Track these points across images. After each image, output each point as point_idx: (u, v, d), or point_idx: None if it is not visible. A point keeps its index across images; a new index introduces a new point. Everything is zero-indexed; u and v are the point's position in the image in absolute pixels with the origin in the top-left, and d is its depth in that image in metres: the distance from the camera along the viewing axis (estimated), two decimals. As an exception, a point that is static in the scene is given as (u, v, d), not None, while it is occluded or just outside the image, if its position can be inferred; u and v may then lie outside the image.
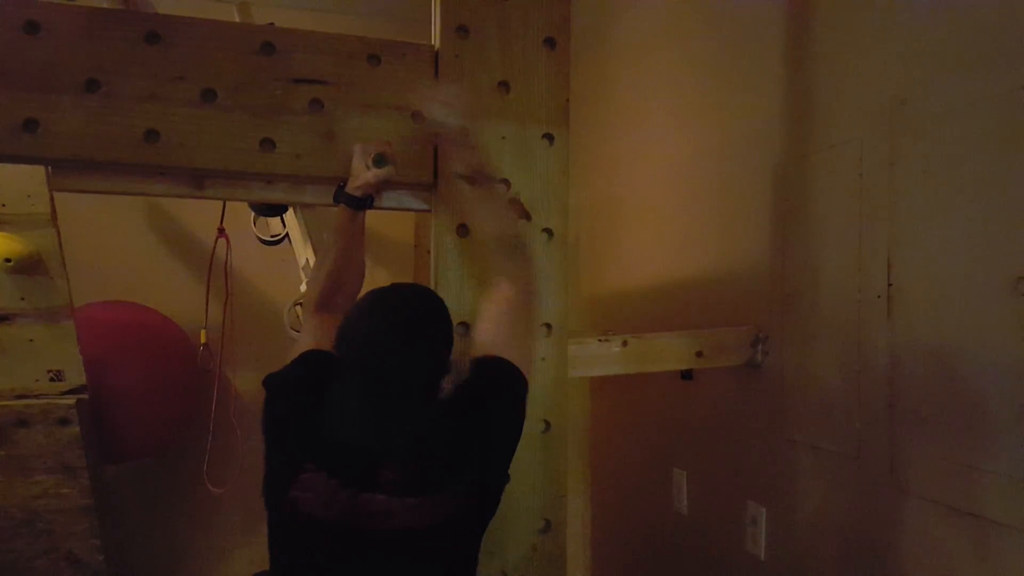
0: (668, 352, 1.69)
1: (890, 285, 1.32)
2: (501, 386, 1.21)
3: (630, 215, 2.49)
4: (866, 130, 1.40)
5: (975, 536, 1.16)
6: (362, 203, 1.31)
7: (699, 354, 1.69)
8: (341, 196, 1.31)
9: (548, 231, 1.46)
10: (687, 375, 2.03)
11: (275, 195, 1.37)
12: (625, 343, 1.64)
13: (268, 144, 1.30)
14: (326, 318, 1.29)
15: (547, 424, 1.47)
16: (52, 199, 2.25)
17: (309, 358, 1.21)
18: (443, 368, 1.13)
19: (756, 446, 1.74)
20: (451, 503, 1.11)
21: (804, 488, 1.57)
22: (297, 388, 1.17)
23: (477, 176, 1.29)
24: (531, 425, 1.46)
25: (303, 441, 1.10)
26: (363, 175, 1.28)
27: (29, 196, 2.09)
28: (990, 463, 1.13)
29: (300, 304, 1.55)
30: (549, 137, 1.46)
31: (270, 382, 1.20)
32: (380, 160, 1.27)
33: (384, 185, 1.32)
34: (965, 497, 1.17)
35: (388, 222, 3.37)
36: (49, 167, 1.33)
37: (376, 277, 3.55)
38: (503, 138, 1.42)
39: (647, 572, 2.30)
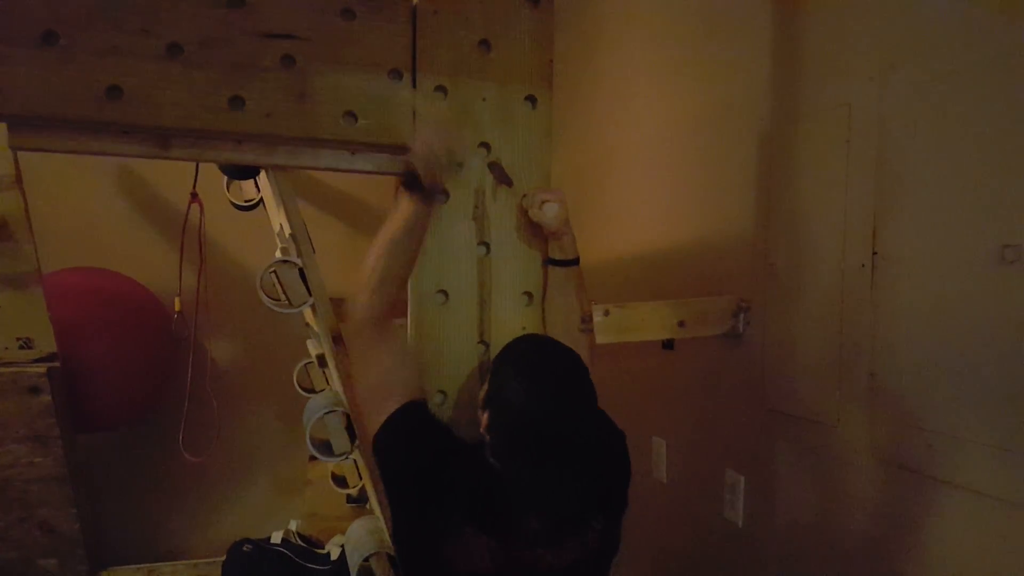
0: (650, 322, 1.67)
1: (875, 254, 1.31)
2: (619, 436, 1.30)
3: (612, 182, 2.46)
4: (855, 95, 1.37)
5: (955, 506, 1.16)
6: (443, 196, 1.29)
7: (681, 324, 1.68)
8: (415, 185, 1.20)
9: (529, 197, 1.42)
10: (669, 345, 2.02)
11: (245, 156, 1.32)
12: (607, 312, 1.62)
13: (237, 102, 1.24)
14: (390, 339, 1.22)
15: (527, 393, 1.45)
16: (16, 161, 2.17)
17: (420, 412, 1.19)
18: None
19: (736, 415, 1.74)
20: (590, 542, 1.17)
21: (783, 457, 1.58)
22: (434, 449, 1.17)
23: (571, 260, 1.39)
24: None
25: (458, 504, 1.11)
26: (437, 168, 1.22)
27: (-9, 158, 2.01)
28: (971, 433, 1.12)
29: (275, 272, 1.50)
30: (531, 99, 1.41)
31: (394, 446, 1.17)
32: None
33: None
34: (945, 467, 1.17)
35: (366, 187, 3.31)
36: (5, 124, 1.26)
37: (356, 244, 3.51)
38: (483, 99, 1.37)
39: (625, 538, 2.31)
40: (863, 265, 1.33)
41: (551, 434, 1.08)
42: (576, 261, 1.40)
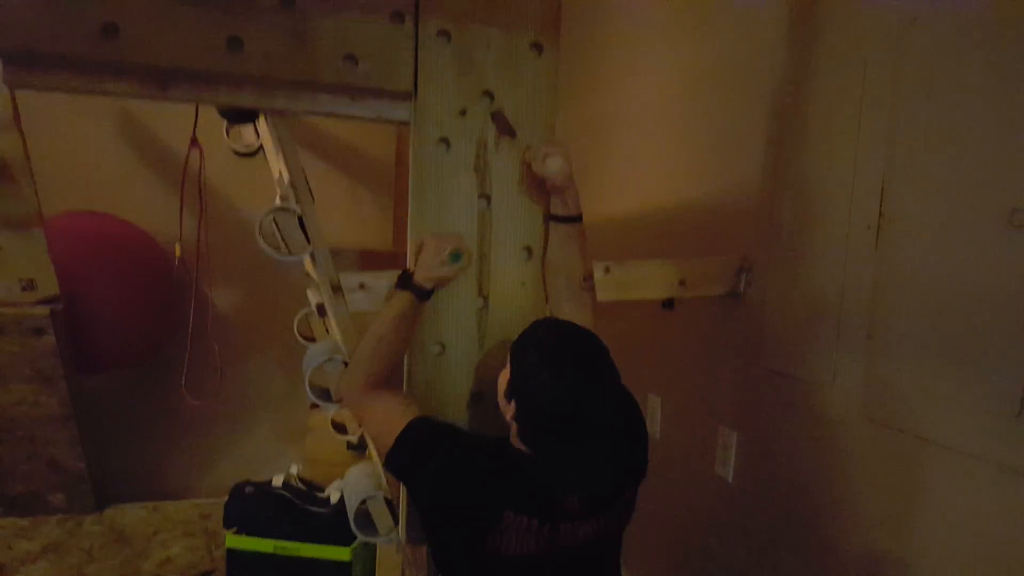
0: (650, 280, 1.66)
1: (881, 216, 1.29)
2: (637, 406, 1.30)
3: (617, 138, 2.42)
4: (872, 51, 1.33)
5: (949, 469, 1.16)
6: (429, 295, 1.31)
7: (682, 283, 1.67)
8: (410, 285, 1.29)
9: (533, 149, 1.40)
10: (669, 304, 2.02)
11: (244, 99, 1.29)
12: (607, 270, 1.61)
13: (235, 43, 1.21)
14: (381, 389, 1.30)
15: (524, 347, 1.45)
16: (13, 100, 2.15)
17: (424, 422, 1.22)
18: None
19: (732, 374, 1.75)
20: (620, 512, 1.22)
21: (776, 415, 1.58)
22: (450, 450, 1.19)
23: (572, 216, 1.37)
24: (507, 349, 1.44)
25: (492, 493, 1.13)
26: (438, 270, 1.29)
27: (-11, 96, 2.00)
28: (968, 396, 1.12)
29: (274, 219, 1.49)
30: (537, 47, 1.37)
31: (407, 458, 1.20)
32: (456, 256, 1.29)
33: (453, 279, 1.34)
34: (940, 429, 1.17)
35: (368, 137, 3.27)
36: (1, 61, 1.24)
37: (357, 195, 3.48)
38: (488, 46, 1.34)
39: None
40: (868, 227, 1.32)
41: (581, 418, 1.09)
42: (579, 218, 1.38)
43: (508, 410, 1.17)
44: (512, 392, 1.16)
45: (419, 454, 1.18)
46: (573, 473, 1.13)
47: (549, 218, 1.41)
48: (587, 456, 1.12)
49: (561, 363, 1.12)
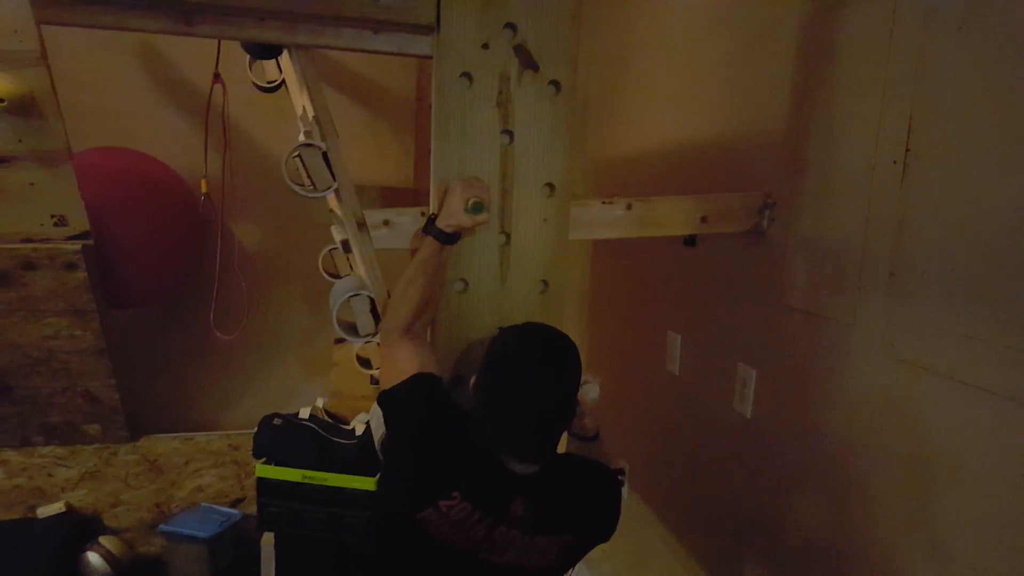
0: (672, 217, 1.67)
1: (907, 151, 1.28)
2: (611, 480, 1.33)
3: (641, 72, 2.38)
4: (903, -19, 1.29)
5: (970, 405, 1.17)
6: (452, 239, 1.34)
7: (704, 219, 1.67)
8: (432, 230, 1.33)
9: (555, 83, 1.39)
10: (690, 241, 2.02)
11: (267, 34, 1.29)
12: (629, 206, 1.61)
13: (259, -24, 1.21)
14: (414, 339, 1.34)
15: (545, 284, 1.48)
16: (40, 36, 2.14)
17: (430, 381, 1.25)
18: (574, 402, 1.23)
19: (752, 311, 1.76)
20: (557, 549, 1.20)
21: (796, 352, 1.60)
22: (436, 413, 1.22)
23: None
24: (529, 286, 1.46)
25: (450, 468, 1.15)
26: (459, 216, 1.30)
27: (16, 31, 2.00)
28: (992, 334, 1.12)
29: (299, 156, 1.50)
30: (560, -22, 1.35)
31: (398, 402, 1.25)
32: (478, 207, 1.30)
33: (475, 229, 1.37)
34: (962, 366, 1.18)
35: (388, 73, 3.23)
36: (27, -6, 1.25)
37: (377, 131, 3.45)
38: (510, -23, 1.32)
39: (639, 428, 2.41)
40: (895, 162, 1.30)
41: (510, 378, 1.14)
42: (595, 437, 1.43)
43: (471, 390, 1.22)
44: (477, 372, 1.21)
45: (410, 401, 1.24)
46: (486, 423, 1.15)
47: (571, 434, 1.43)
48: (504, 412, 1.14)
49: (518, 337, 1.20)
